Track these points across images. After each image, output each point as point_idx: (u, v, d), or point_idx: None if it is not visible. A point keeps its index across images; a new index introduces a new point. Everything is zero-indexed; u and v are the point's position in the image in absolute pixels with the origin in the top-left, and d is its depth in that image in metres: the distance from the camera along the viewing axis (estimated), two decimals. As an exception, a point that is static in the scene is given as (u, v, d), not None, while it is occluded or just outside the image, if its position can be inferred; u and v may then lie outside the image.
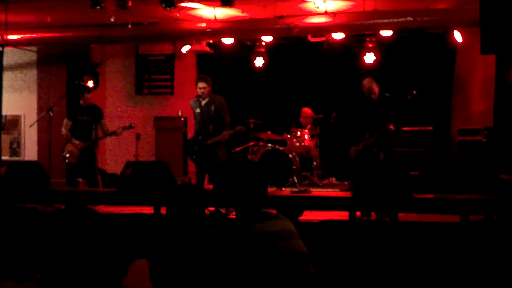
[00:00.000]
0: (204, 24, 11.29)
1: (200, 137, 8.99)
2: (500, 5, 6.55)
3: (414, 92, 8.66)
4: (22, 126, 13.31)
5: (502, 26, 6.52)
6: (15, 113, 13.37)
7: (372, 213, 8.13)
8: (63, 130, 9.90)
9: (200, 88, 8.93)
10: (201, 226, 3.80)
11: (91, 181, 9.78)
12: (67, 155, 9.76)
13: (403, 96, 8.77)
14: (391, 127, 8.60)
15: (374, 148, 8.72)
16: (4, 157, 12.80)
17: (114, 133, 10.13)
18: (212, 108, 8.95)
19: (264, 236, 3.66)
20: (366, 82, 8.99)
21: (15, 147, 13.39)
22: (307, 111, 11.87)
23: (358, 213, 7.93)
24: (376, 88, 8.92)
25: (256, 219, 3.74)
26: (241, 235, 3.68)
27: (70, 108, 10.22)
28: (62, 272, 2.06)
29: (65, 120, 9.97)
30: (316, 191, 9.57)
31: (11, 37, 11.91)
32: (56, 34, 11.96)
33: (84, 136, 9.83)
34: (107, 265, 2.09)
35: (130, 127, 10.12)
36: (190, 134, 10.98)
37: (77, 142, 9.74)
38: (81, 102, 9.96)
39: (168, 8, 9.18)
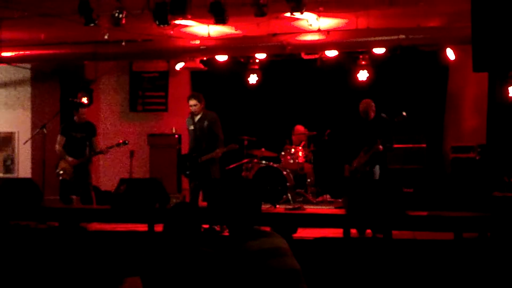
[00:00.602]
0: (198, 42, 11.33)
1: (194, 154, 8.99)
2: (492, 23, 6.59)
3: (404, 113, 8.70)
4: (16, 143, 13.28)
5: (494, 43, 6.55)
6: (9, 130, 13.34)
7: (367, 231, 8.12)
8: (57, 147, 9.86)
9: (191, 106, 8.96)
10: (197, 244, 3.79)
11: (85, 198, 9.73)
12: (61, 172, 9.73)
13: (395, 116, 8.81)
14: (380, 147, 8.65)
15: (367, 167, 8.74)
16: (-3, 174, 12.78)
17: (100, 152, 10.11)
18: (205, 123, 8.96)
19: (257, 253, 3.65)
20: (364, 103, 9.02)
21: (9, 164, 13.35)
22: (299, 128, 11.89)
23: (354, 231, 7.92)
24: (372, 113, 8.96)
25: (249, 237, 3.74)
26: (234, 252, 3.67)
27: (64, 125, 10.19)
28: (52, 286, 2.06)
29: (58, 137, 9.93)
30: (310, 208, 9.57)
31: (5, 54, 11.91)
32: (50, 51, 11.96)
33: (77, 153, 9.79)
34: (99, 282, 2.10)
35: (124, 143, 10.09)
36: (184, 151, 10.97)
37: (70, 159, 9.70)
38: (75, 118, 9.94)
39: (162, 26, 9.20)
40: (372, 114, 8.99)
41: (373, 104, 9.04)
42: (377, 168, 8.76)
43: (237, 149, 9.52)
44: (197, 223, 3.88)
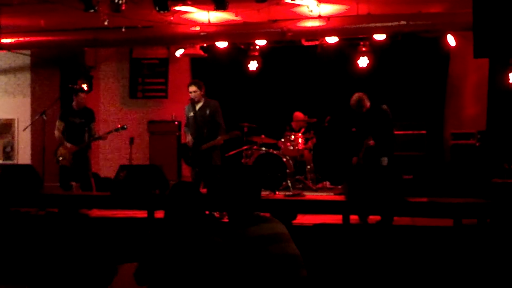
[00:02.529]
0: (198, 28, 11.29)
1: (195, 141, 8.98)
2: (493, 9, 6.57)
3: (384, 106, 8.68)
4: (16, 130, 13.28)
5: (495, 30, 6.54)
6: (8, 116, 13.34)
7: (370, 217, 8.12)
8: (56, 133, 9.85)
9: (191, 92, 8.94)
10: (208, 232, 3.76)
11: (85, 185, 9.74)
12: (60, 158, 9.72)
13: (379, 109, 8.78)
14: (370, 142, 8.64)
15: (361, 160, 8.75)
16: (-3, 161, 12.80)
17: (99, 138, 10.11)
18: (207, 112, 8.95)
19: (257, 239, 3.67)
20: (354, 97, 8.92)
21: (9, 151, 13.36)
22: (299, 115, 11.89)
23: (354, 217, 7.92)
24: (366, 104, 8.86)
25: (249, 223, 3.75)
26: (235, 238, 3.68)
27: (63, 110, 10.17)
28: (51, 273, 2.06)
29: (57, 122, 9.91)
30: (310, 195, 9.57)
31: (4, 40, 11.88)
32: (50, 38, 11.93)
33: (76, 139, 9.78)
34: (96, 268, 2.10)
35: (123, 128, 10.07)
36: (184, 138, 10.98)
37: (69, 145, 9.70)
38: (74, 104, 9.91)
39: (162, 12, 9.18)
40: (367, 105, 8.88)
41: (365, 96, 8.91)
42: (384, 159, 8.75)
43: (239, 136, 9.53)
44: (199, 203, 3.85)
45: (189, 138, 9.03)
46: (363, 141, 8.80)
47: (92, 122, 9.96)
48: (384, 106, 8.88)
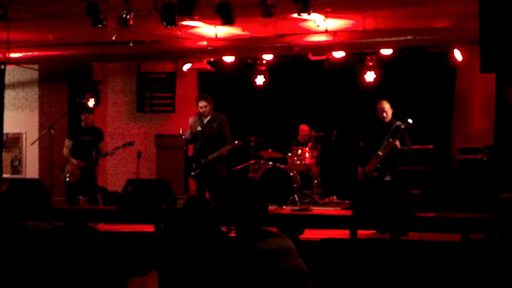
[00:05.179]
0: (205, 42, 11.34)
1: (201, 156, 9.01)
2: (500, 24, 6.58)
3: (409, 120, 8.63)
4: (24, 144, 13.34)
5: (502, 44, 6.54)
6: (16, 131, 13.40)
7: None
8: (65, 150, 9.95)
9: (201, 107, 8.98)
10: (218, 247, 3.76)
11: (92, 199, 9.78)
12: (67, 174, 9.80)
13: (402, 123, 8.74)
14: (397, 143, 8.57)
15: (375, 173, 8.71)
16: (5, 175, 12.82)
17: (106, 154, 10.21)
18: (215, 126, 8.98)
19: (264, 254, 3.66)
20: (381, 104, 8.91)
21: (17, 165, 13.41)
22: (303, 128, 11.92)
23: (362, 232, 7.88)
24: (388, 114, 8.85)
25: (256, 237, 3.74)
26: (241, 253, 3.68)
27: (72, 129, 10.28)
28: (59, 287, 2.07)
29: (66, 141, 10.03)
30: (317, 210, 9.56)
31: (13, 55, 11.96)
32: (58, 52, 12.01)
33: (84, 156, 9.88)
34: (106, 282, 2.10)
35: (130, 144, 10.14)
36: (191, 152, 10.99)
37: (75, 161, 9.78)
38: (82, 123, 10.02)
39: (170, 27, 9.22)
40: (389, 117, 8.87)
41: (389, 105, 8.92)
42: (387, 177, 8.72)
43: (243, 147, 9.52)
44: (212, 217, 3.86)
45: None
46: (374, 155, 8.75)
47: (100, 141, 10.10)
48: (399, 122, 8.85)
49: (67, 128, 11.76)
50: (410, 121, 8.57)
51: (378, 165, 8.69)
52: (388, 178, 8.67)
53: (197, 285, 3.64)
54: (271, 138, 11.97)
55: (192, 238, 3.78)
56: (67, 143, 9.99)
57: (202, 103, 8.99)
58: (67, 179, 9.84)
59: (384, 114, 8.80)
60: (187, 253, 3.73)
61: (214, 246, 3.76)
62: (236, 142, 9.00)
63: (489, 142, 11.25)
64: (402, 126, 8.60)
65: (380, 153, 8.66)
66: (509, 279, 5.93)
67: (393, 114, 9.00)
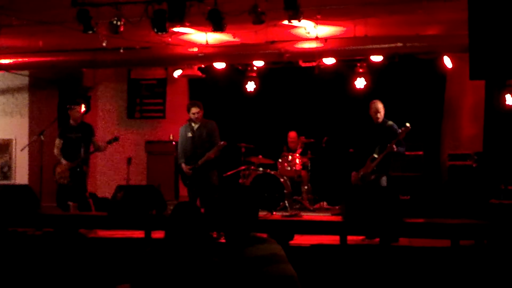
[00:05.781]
0: (196, 49, 11.35)
1: (191, 161, 9.02)
2: (489, 31, 6.62)
3: (407, 124, 8.66)
4: (13, 150, 13.29)
5: (491, 51, 6.58)
6: (6, 137, 13.35)
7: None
8: (55, 150, 9.85)
9: (193, 114, 9.00)
10: (208, 253, 3.75)
11: (83, 206, 9.69)
12: (58, 176, 9.73)
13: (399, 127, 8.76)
14: (394, 147, 8.59)
15: (372, 176, 8.72)
16: (-5, 181, 12.78)
17: (97, 149, 9.96)
18: (205, 132, 9.01)
19: (253, 260, 3.66)
20: (374, 102, 8.94)
21: (6, 171, 13.35)
22: (291, 134, 11.94)
23: (352, 237, 7.90)
24: (381, 114, 8.87)
25: (246, 243, 3.75)
26: (231, 259, 3.68)
27: (61, 128, 10.16)
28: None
29: (56, 140, 9.91)
30: (307, 215, 9.55)
31: (2, 61, 11.94)
32: (48, 58, 11.98)
33: (72, 154, 9.71)
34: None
35: (115, 139, 9.96)
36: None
37: (64, 162, 9.70)
38: (71, 121, 9.90)
39: (160, 33, 9.22)
40: (382, 117, 8.89)
41: (382, 105, 8.94)
42: (383, 179, 8.74)
43: (232, 152, 9.52)
44: (201, 223, 3.86)
45: (185, 168, 9.07)
46: (369, 158, 8.75)
47: (92, 136, 9.88)
48: (390, 122, 8.88)
49: (57, 135, 11.71)
50: (408, 125, 8.60)
51: (375, 168, 8.71)
52: (384, 180, 8.70)
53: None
54: (261, 145, 11.98)
55: (180, 244, 3.77)
56: (57, 142, 9.87)
57: (194, 110, 9.01)
58: (58, 181, 9.76)
59: (378, 115, 8.83)
60: (176, 260, 3.72)
61: (203, 252, 3.76)
62: (221, 143, 9.01)
63: (478, 148, 11.33)
64: (400, 131, 8.62)
65: (376, 156, 8.68)
66: (498, 285, 5.96)
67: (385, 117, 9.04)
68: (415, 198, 9.81)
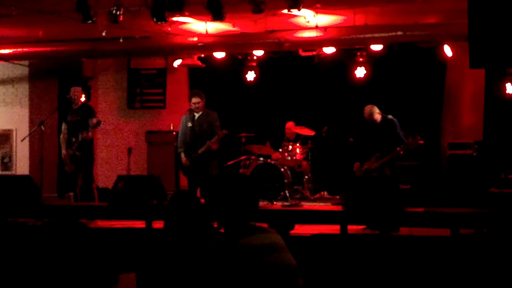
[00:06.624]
0: (195, 39, 11.33)
1: (191, 151, 9.03)
2: (489, 20, 6.60)
3: (418, 138, 8.79)
4: (14, 141, 13.29)
5: (491, 40, 6.57)
6: (6, 127, 13.35)
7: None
8: (61, 137, 9.86)
9: (194, 103, 9.02)
10: (207, 242, 3.76)
11: (87, 195, 9.61)
12: (65, 163, 9.69)
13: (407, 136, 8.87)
14: (401, 152, 8.66)
15: (374, 173, 8.77)
16: (-5, 172, 12.79)
17: (84, 136, 9.54)
18: (206, 122, 9.02)
19: (253, 249, 3.67)
20: (367, 109, 9.02)
21: (7, 162, 13.36)
22: (288, 125, 11.93)
23: (352, 227, 7.92)
24: (377, 116, 8.95)
25: (245, 233, 3.76)
26: (230, 249, 3.69)
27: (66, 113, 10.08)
28: (49, 283, 2.07)
29: (62, 125, 9.91)
30: (308, 205, 9.59)
31: (2, 51, 11.92)
32: (48, 48, 11.96)
33: (71, 140, 9.64)
34: (95, 278, 2.10)
35: (98, 123, 9.62)
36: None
37: (64, 152, 9.70)
38: (73, 105, 9.84)
39: (160, 23, 9.20)
40: (379, 118, 8.96)
41: (376, 108, 9.03)
42: (387, 168, 8.78)
43: (233, 142, 9.52)
44: (199, 212, 3.87)
45: (184, 160, 9.08)
46: (375, 155, 8.80)
47: (89, 117, 9.62)
48: (390, 116, 8.92)
49: (57, 125, 11.70)
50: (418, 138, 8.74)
51: (378, 167, 8.76)
52: (387, 169, 8.75)
53: (186, 281, 3.65)
54: (262, 134, 11.98)
55: (178, 233, 3.78)
56: (63, 127, 9.83)
57: (195, 99, 9.02)
58: (65, 168, 9.72)
59: (374, 120, 8.91)
60: (175, 249, 3.73)
61: (203, 241, 3.77)
62: (221, 132, 9.03)
63: (478, 137, 11.32)
64: (409, 141, 8.71)
65: (380, 155, 8.75)
66: (498, 274, 5.97)
67: (382, 110, 9.06)
68: (415, 187, 9.82)
